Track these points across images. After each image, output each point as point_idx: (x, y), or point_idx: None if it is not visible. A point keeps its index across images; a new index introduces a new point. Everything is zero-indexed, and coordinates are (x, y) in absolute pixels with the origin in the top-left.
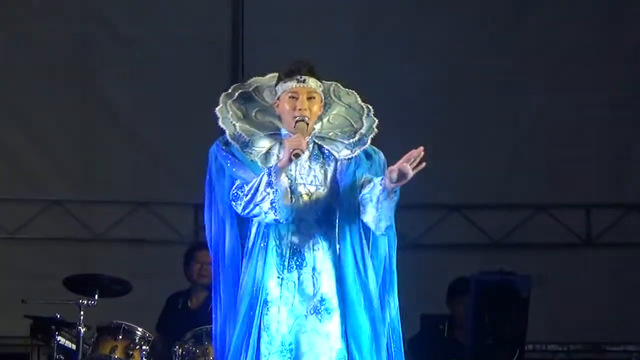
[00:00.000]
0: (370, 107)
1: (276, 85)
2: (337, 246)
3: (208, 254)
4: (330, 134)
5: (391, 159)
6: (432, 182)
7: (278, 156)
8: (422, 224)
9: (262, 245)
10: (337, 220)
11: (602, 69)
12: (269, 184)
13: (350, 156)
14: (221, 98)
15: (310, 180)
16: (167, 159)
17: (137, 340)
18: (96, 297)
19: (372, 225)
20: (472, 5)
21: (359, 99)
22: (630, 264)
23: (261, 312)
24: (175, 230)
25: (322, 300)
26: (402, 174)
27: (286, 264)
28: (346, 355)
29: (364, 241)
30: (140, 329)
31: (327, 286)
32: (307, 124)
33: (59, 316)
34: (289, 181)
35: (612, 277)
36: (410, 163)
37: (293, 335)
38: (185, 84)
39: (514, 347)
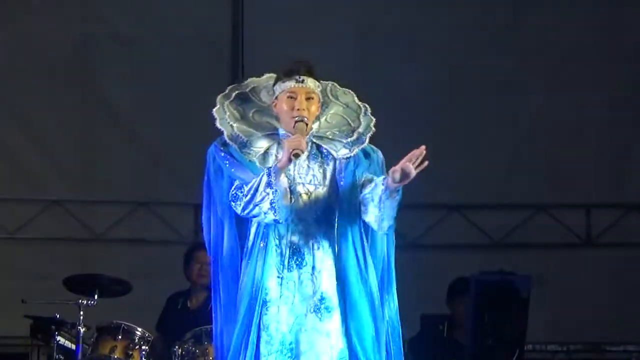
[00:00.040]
0: (367, 106)
1: (274, 84)
2: (337, 245)
3: (208, 254)
4: (328, 133)
5: (391, 159)
6: (432, 182)
7: (276, 156)
8: (422, 224)
9: (261, 245)
10: (336, 219)
11: (602, 69)
12: (269, 184)
13: (348, 155)
14: (218, 99)
15: (309, 179)
16: (167, 159)
17: (136, 340)
18: (96, 297)
19: (374, 225)
20: (472, 5)
21: (356, 98)
22: (630, 264)
23: (260, 312)
24: (175, 230)
25: (322, 298)
26: (404, 174)
27: (286, 263)
28: (348, 354)
29: (365, 240)
30: (139, 329)
31: (327, 285)
32: (307, 125)
33: (58, 316)
34: (288, 181)
35: (612, 277)
36: (413, 162)
37: (293, 335)
38: (185, 84)
39: (514, 347)
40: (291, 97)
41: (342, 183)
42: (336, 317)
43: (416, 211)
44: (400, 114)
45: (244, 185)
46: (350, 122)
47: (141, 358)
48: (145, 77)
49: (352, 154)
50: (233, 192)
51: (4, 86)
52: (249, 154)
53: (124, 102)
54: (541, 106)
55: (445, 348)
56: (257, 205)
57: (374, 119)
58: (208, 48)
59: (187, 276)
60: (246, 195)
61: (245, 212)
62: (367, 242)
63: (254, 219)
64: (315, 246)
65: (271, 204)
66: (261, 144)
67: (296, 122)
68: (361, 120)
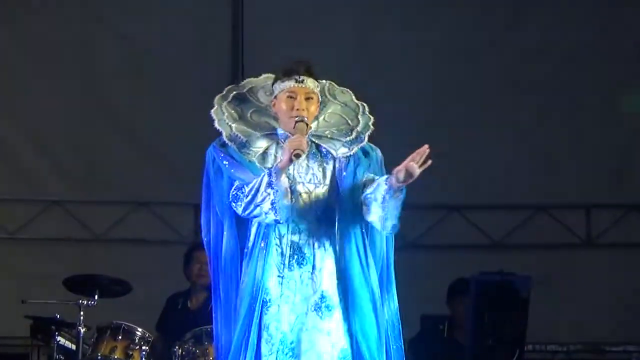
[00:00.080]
0: (365, 105)
1: (273, 84)
2: (338, 244)
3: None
4: (327, 132)
5: (390, 159)
6: (432, 183)
7: (275, 156)
8: (422, 225)
9: (262, 245)
10: (337, 218)
11: (601, 69)
12: (270, 185)
13: (348, 154)
14: (216, 100)
15: (309, 178)
16: (167, 159)
17: (136, 341)
18: (96, 297)
19: (378, 225)
20: (472, 5)
21: (353, 96)
22: (630, 264)
23: (261, 312)
24: (175, 230)
25: (322, 297)
26: (408, 173)
27: (287, 262)
28: (350, 353)
29: (366, 239)
30: (140, 329)
31: (328, 284)
32: (307, 125)
33: (58, 316)
34: (289, 181)
35: (612, 277)
36: (416, 161)
37: (295, 334)
38: (185, 84)
39: (514, 347)
40: (291, 97)
41: (343, 182)
42: (337, 315)
43: (416, 211)
44: (400, 114)
45: (245, 186)
46: (348, 121)
47: (141, 358)
48: (146, 77)
49: (351, 153)
50: (233, 193)
51: (4, 86)
52: (248, 154)
53: (124, 102)
54: (541, 106)
55: (445, 348)
56: (258, 205)
57: (372, 118)
58: (208, 48)
59: (187, 276)
60: (247, 196)
61: (246, 212)
62: (368, 241)
63: (255, 220)
64: (316, 245)
65: (272, 204)
66: (260, 144)
67: (296, 122)
68: (359, 119)
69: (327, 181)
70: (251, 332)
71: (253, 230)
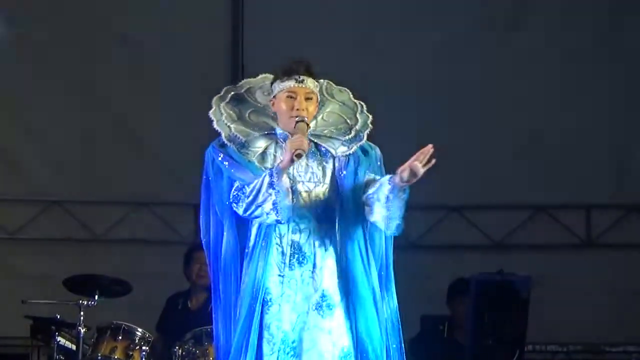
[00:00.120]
0: (363, 104)
1: (272, 83)
2: (339, 242)
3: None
4: (326, 131)
5: (390, 159)
6: (432, 183)
7: (275, 155)
8: (422, 225)
9: (263, 244)
10: (338, 217)
11: (602, 69)
12: (271, 185)
13: (347, 153)
14: (214, 101)
15: (309, 177)
16: (167, 159)
17: (137, 341)
18: (96, 297)
19: (381, 225)
20: (472, 5)
21: (351, 95)
22: (630, 264)
23: (262, 311)
24: (176, 230)
25: (323, 296)
26: (412, 173)
27: (287, 261)
28: (353, 351)
29: (367, 238)
30: (140, 330)
31: (329, 282)
32: (307, 125)
33: (59, 317)
34: (290, 181)
35: (612, 277)
36: (421, 161)
37: (297, 333)
38: (185, 84)
39: (514, 347)
40: (290, 97)
41: (343, 181)
42: (338, 314)
43: (416, 212)
44: (400, 114)
45: (246, 186)
46: (347, 119)
47: (141, 358)
48: (145, 77)
49: (350, 152)
50: (234, 194)
51: (4, 86)
52: (248, 154)
53: (124, 102)
54: (541, 106)
55: (445, 348)
56: (259, 206)
57: (370, 116)
58: (208, 49)
59: (187, 277)
60: (248, 197)
61: (247, 213)
62: (368, 239)
63: (256, 220)
64: (317, 244)
65: (273, 204)
66: (259, 144)
67: (297, 122)
68: (358, 117)
69: (327, 180)
70: (252, 332)
71: (254, 230)
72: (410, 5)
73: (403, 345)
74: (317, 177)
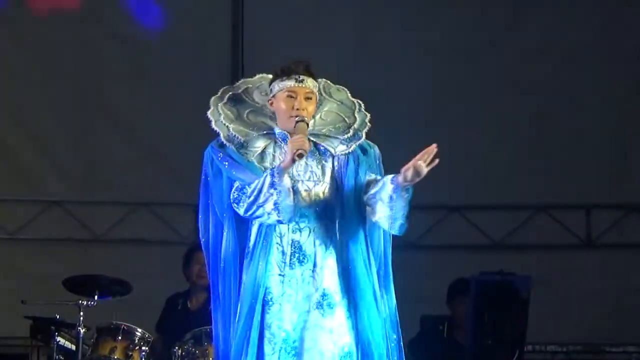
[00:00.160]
0: (361, 103)
1: (271, 83)
2: (338, 241)
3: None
4: (324, 130)
5: (390, 158)
6: (432, 183)
7: (273, 155)
8: (422, 225)
9: (263, 244)
10: (338, 216)
11: (601, 69)
12: (272, 185)
13: (346, 151)
14: (211, 101)
15: (308, 176)
16: (167, 159)
17: (136, 341)
18: (96, 297)
19: (385, 225)
20: (472, 5)
21: (349, 94)
22: (630, 264)
23: (262, 311)
24: (176, 230)
25: (324, 295)
26: (416, 172)
27: (288, 261)
28: (354, 350)
29: (367, 237)
30: (139, 330)
31: (330, 281)
32: (307, 125)
33: (58, 317)
34: (292, 181)
35: (612, 278)
36: (424, 160)
37: (298, 332)
38: (185, 84)
39: (514, 347)
40: (290, 97)
41: (343, 180)
42: (339, 313)
43: (416, 212)
44: (400, 114)
45: (247, 187)
46: (345, 118)
47: (141, 359)
48: (145, 77)
49: (349, 150)
50: (235, 194)
51: (4, 86)
52: (247, 154)
53: (124, 102)
54: (541, 106)
55: (445, 348)
56: (260, 206)
57: (368, 115)
58: (208, 48)
59: (187, 277)
60: (249, 197)
61: (249, 213)
62: (368, 238)
63: (257, 220)
64: (317, 242)
65: (275, 204)
66: (258, 144)
67: (297, 122)
68: (356, 116)
69: (327, 179)
70: (252, 332)
71: (254, 229)
72: (410, 5)
73: (402, 344)
74: (316, 176)
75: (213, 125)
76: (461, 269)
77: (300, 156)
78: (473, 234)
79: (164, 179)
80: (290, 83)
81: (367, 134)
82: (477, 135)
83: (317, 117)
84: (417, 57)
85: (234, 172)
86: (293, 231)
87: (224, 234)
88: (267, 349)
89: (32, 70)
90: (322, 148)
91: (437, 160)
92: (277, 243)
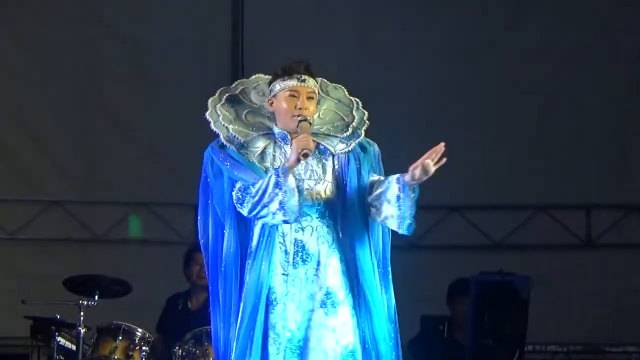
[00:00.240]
0: (359, 101)
1: (271, 83)
2: (341, 240)
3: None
4: (323, 129)
5: (389, 159)
6: (432, 183)
7: (274, 155)
8: (422, 225)
9: (266, 244)
10: (340, 214)
11: (601, 69)
12: (277, 185)
13: (346, 150)
14: (209, 102)
15: (309, 175)
16: (167, 159)
17: (137, 341)
18: (96, 297)
19: (393, 225)
20: (472, 5)
21: (346, 92)
22: (630, 265)
23: (266, 311)
24: (176, 230)
25: (327, 293)
26: (424, 170)
27: (291, 260)
28: (358, 349)
29: (369, 235)
30: (140, 330)
31: (333, 280)
32: (310, 124)
33: (59, 317)
34: (297, 181)
35: (612, 278)
36: (432, 159)
37: (302, 331)
38: (185, 84)
39: (514, 347)
40: (293, 96)
41: (345, 179)
42: (342, 312)
43: (416, 212)
44: (400, 114)
45: (250, 187)
46: (343, 117)
47: (141, 359)
48: (145, 77)
49: (349, 149)
50: (238, 194)
51: (4, 86)
52: (247, 154)
53: (124, 102)
54: (541, 106)
55: (445, 348)
56: (265, 206)
57: (366, 113)
58: (208, 48)
59: (187, 277)
60: (254, 197)
61: (253, 213)
62: (370, 237)
63: (261, 220)
64: (320, 241)
65: (280, 204)
66: (258, 144)
67: (299, 121)
68: (354, 114)
69: (328, 177)
70: (256, 332)
71: (256, 230)
72: (410, 5)
73: (400, 343)
74: (317, 174)
75: (212, 126)
76: (461, 269)
77: (306, 156)
78: (473, 234)
79: (164, 179)
80: (292, 82)
81: (366, 132)
82: (477, 135)
83: (316, 116)
84: (417, 57)
85: (235, 173)
86: (296, 230)
87: (225, 234)
88: (272, 349)
89: (32, 70)
90: (321, 147)
91: (444, 159)
92: (279, 242)
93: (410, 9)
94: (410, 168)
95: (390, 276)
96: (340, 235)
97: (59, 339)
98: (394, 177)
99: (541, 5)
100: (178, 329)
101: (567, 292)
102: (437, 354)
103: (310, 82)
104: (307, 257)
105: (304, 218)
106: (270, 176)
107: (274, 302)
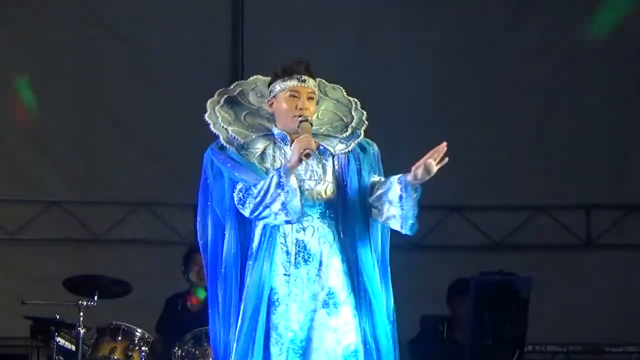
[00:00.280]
0: (357, 101)
1: (270, 83)
2: (342, 239)
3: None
4: (322, 129)
5: (390, 158)
6: (432, 183)
7: (274, 156)
8: (422, 225)
9: (267, 244)
10: (341, 214)
11: (601, 69)
12: (279, 185)
13: (346, 150)
14: (208, 104)
15: (309, 175)
16: (167, 160)
17: (136, 342)
18: (96, 298)
19: (396, 225)
20: (472, 5)
21: (344, 92)
22: (630, 265)
23: (268, 312)
24: (176, 231)
25: (329, 293)
26: (426, 170)
27: (293, 260)
28: (360, 349)
29: (370, 235)
30: (139, 330)
31: (335, 280)
32: (312, 124)
33: (58, 317)
34: (300, 181)
35: (612, 278)
36: (434, 158)
37: (305, 332)
38: (185, 84)
39: (514, 347)
40: (293, 96)
41: (346, 179)
42: (344, 312)
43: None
44: (399, 114)
45: (252, 187)
46: (342, 117)
47: (141, 359)
48: (145, 77)
49: (349, 149)
50: (239, 195)
51: (3, 86)
52: (247, 155)
53: (124, 102)
54: (541, 106)
55: (445, 348)
56: (267, 206)
57: (365, 113)
58: (208, 48)
59: (187, 278)
60: (256, 197)
61: (255, 214)
62: (370, 236)
63: (263, 221)
64: (322, 241)
65: (282, 204)
66: (258, 145)
67: (301, 122)
68: (353, 114)
69: (328, 177)
70: (258, 333)
71: (257, 230)
72: (410, 5)
73: (397, 342)
74: (317, 175)
75: (212, 128)
76: (461, 269)
77: (308, 155)
78: (473, 234)
79: (164, 179)
80: (292, 83)
81: (365, 132)
82: (477, 135)
83: (314, 116)
84: (417, 57)
85: (236, 174)
86: (297, 230)
87: (226, 235)
88: (274, 349)
89: (32, 70)
90: (321, 147)
91: (446, 159)
92: (281, 243)
93: (410, 9)
94: (413, 167)
95: (389, 276)
96: (342, 235)
97: (58, 339)
98: (395, 178)
99: (541, 5)
100: (177, 330)
101: (567, 292)
102: (437, 354)
103: (311, 82)
104: (309, 257)
105: (305, 218)
106: (272, 176)
107: (276, 303)
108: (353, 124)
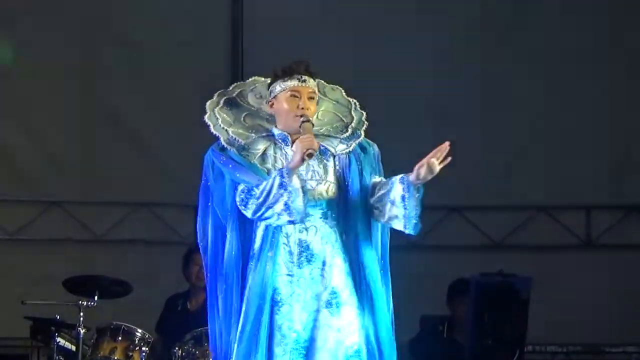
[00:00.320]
0: (356, 101)
1: (271, 83)
2: (345, 239)
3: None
4: (322, 130)
5: (389, 160)
6: (432, 183)
7: (274, 157)
8: (422, 225)
9: (270, 245)
10: (342, 215)
11: (602, 69)
12: (282, 185)
13: (347, 150)
14: (207, 106)
15: (310, 175)
16: (168, 160)
17: (136, 342)
18: (96, 298)
19: (399, 225)
20: (472, 5)
21: (344, 93)
22: (630, 265)
23: (271, 312)
24: (176, 231)
25: (333, 293)
26: (429, 169)
27: (295, 260)
28: (363, 349)
29: (372, 234)
30: (139, 330)
31: (338, 280)
32: (313, 124)
33: (58, 317)
34: (302, 181)
35: (612, 278)
36: (437, 158)
37: (308, 332)
38: (185, 85)
39: (514, 348)
40: (294, 96)
41: (347, 179)
42: (347, 312)
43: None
44: (399, 115)
45: (254, 188)
46: (342, 117)
47: (141, 359)
48: (145, 77)
49: (350, 149)
50: (241, 196)
51: (4, 86)
52: (248, 156)
53: (124, 102)
54: (541, 106)
55: (445, 348)
56: (270, 207)
57: (364, 113)
58: (208, 48)
59: (187, 278)
60: (258, 198)
61: (257, 215)
62: (371, 236)
63: (265, 222)
64: (324, 241)
65: (285, 205)
66: (259, 146)
67: (302, 122)
68: (353, 115)
69: (329, 178)
70: (261, 333)
71: (259, 231)
72: (410, 6)
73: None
74: (318, 175)
75: (212, 129)
76: (461, 269)
77: (310, 155)
78: (473, 234)
79: (164, 179)
80: (293, 83)
81: (365, 132)
82: (477, 135)
83: (315, 117)
84: (417, 57)
85: (238, 175)
86: (300, 231)
87: (227, 236)
88: (278, 350)
89: (32, 70)
90: (322, 147)
91: (449, 158)
92: (284, 243)
93: (410, 10)
94: (416, 167)
95: (389, 275)
96: (344, 235)
97: (58, 339)
98: (396, 178)
99: (541, 5)
100: (177, 330)
101: (567, 292)
102: (437, 354)
103: (311, 82)
104: (312, 257)
105: (307, 218)
106: (275, 177)
107: (280, 303)
108: (353, 124)
